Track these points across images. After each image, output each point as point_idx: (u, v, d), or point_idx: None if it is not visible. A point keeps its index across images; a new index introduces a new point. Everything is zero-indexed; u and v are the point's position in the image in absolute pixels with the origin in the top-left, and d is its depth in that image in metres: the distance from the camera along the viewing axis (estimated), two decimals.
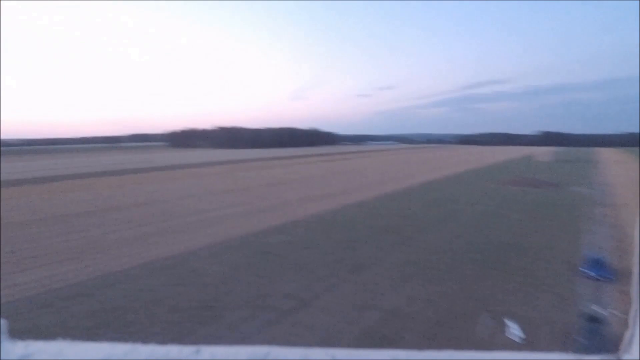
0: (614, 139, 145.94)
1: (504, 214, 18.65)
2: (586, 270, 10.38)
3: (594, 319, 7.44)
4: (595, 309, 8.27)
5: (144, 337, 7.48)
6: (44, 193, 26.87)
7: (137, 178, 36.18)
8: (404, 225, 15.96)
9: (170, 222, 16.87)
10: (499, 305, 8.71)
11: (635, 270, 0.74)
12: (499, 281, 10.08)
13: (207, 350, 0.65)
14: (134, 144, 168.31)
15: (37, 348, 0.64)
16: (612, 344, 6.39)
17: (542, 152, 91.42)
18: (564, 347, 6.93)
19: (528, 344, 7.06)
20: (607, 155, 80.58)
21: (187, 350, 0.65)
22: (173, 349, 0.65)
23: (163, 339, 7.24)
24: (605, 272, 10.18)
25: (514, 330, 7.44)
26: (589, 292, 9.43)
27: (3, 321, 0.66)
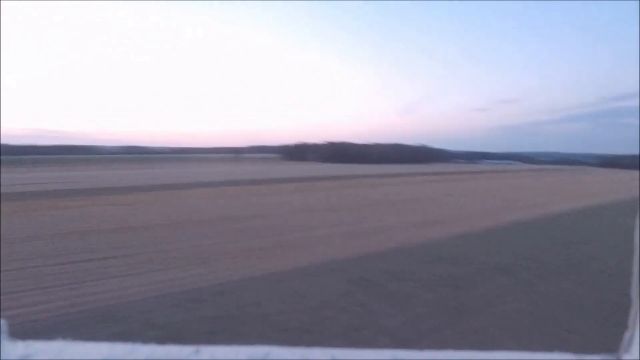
0: None
1: None
2: None
3: None
4: None
5: None
6: (175, 199, 31.39)
7: (252, 189, 39.74)
8: (522, 266, 14.21)
9: (277, 237, 18.04)
10: None
11: (635, 270, 0.70)
12: None
13: (207, 350, 0.65)
14: (252, 155, 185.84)
15: (37, 348, 0.63)
16: None
17: None
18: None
19: None
20: None
21: (186, 350, 0.65)
22: (173, 349, 0.65)
23: None
24: None
25: None
26: None
27: (3, 321, 0.65)
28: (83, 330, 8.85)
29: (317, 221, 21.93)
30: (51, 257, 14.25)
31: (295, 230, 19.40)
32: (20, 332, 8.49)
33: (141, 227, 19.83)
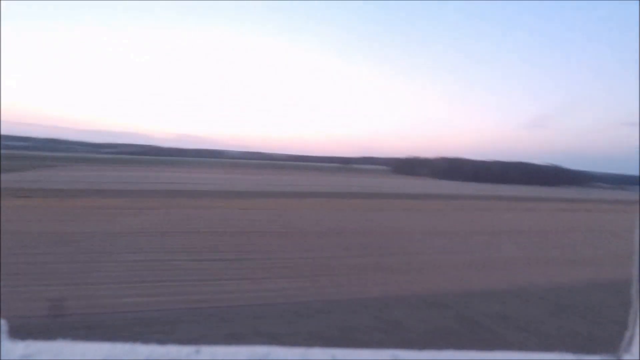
0: None
1: None
2: None
3: None
4: None
5: None
6: (288, 207, 33.44)
7: (360, 203, 40.09)
8: None
9: (381, 258, 17.77)
10: None
11: (635, 270, 0.69)
12: None
13: (207, 350, 0.64)
14: (362, 166, 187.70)
15: (37, 348, 0.64)
16: None
17: None
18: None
19: None
20: None
21: (186, 350, 0.64)
22: (172, 349, 0.64)
23: None
24: None
25: None
26: None
27: (3, 321, 0.66)
28: (202, 327, 10.03)
29: (424, 245, 21.03)
30: (180, 252, 16.58)
31: (400, 253, 18.92)
32: (155, 323, 10.00)
33: (258, 232, 21.71)
